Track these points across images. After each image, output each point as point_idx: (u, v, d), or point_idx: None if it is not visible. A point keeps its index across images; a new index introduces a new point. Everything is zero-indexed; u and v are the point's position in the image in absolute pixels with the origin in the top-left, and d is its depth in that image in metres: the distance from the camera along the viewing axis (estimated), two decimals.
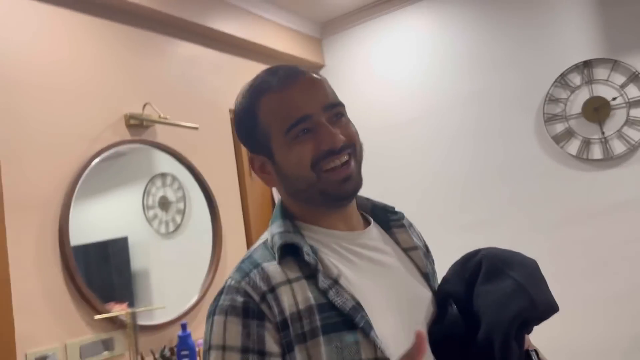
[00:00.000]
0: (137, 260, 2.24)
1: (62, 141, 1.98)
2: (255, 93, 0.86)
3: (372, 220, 0.96)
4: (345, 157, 0.84)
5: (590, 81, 2.60)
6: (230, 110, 2.72)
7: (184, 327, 2.09)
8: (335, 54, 3.37)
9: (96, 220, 2.14)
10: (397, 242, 0.95)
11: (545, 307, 0.82)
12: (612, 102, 2.55)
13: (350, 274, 0.82)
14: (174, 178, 2.43)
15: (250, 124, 0.87)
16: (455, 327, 0.85)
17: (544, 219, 2.68)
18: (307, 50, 3.27)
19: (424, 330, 0.85)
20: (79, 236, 1.96)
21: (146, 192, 2.33)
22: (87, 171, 2.01)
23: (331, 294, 0.78)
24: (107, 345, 1.97)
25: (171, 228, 2.40)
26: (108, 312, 1.96)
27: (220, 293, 0.81)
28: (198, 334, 2.19)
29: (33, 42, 1.97)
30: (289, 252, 0.81)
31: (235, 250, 2.59)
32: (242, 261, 0.85)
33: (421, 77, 3.07)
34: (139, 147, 2.28)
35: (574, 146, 2.63)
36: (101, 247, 2.16)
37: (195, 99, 2.58)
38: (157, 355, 2.07)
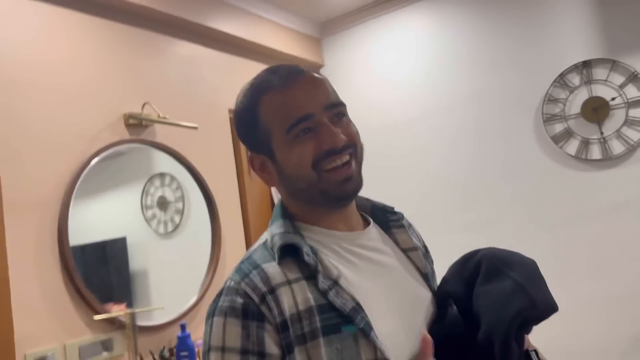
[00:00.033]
0: (136, 261, 2.24)
1: (61, 140, 1.98)
2: (256, 92, 0.86)
3: (371, 220, 0.96)
4: (346, 157, 0.83)
5: (589, 81, 2.60)
6: (229, 110, 2.72)
7: (183, 327, 2.08)
8: (334, 54, 3.37)
9: (94, 220, 2.13)
10: (397, 243, 0.95)
11: (545, 307, 0.82)
12: (611, 102, 2.55)
13: (350, 275, 0.82)
14: (173, 178, 2.42)
15: (251, 123, 0.87)
16: (455, 327, 0.85)
17: (543, 219, 2.68)
18: (306, 50, 3.27)
19: (424, 330, 0.85)
20: (77, 236, 1.96)
21: (145, 192, 2.32)
22: (86, 171, 2.01)
23: (331, 294, 0.78)
24: (106, 345, 1.97)
25: (170, 228, 2.40)
26: (107, 312, 1.96)
27: (220, 294, 0.81)
28: (197, 335, 2.19)
29: (32, 42, 1.97)
30: (289, 253, 0.81)
31: (234, 250, 2.59)
32: (242, 262, 0.84)
33: (420, 78, 3.07)
34: (138, 147, 2.27)
35: (572, 146, 2.63)
36: (99, 247, 2.16)
37: (194, 99, 2.57)
38: (156, 356, 2.07)
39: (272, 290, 0.77)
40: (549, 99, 2.68)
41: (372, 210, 0.98)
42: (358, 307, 0.78)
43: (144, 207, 2.31)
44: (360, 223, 0.93)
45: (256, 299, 0.77)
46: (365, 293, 0.81)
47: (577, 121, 2.63)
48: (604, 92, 2.57)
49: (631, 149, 2.51)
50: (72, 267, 1.90)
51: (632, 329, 2.45)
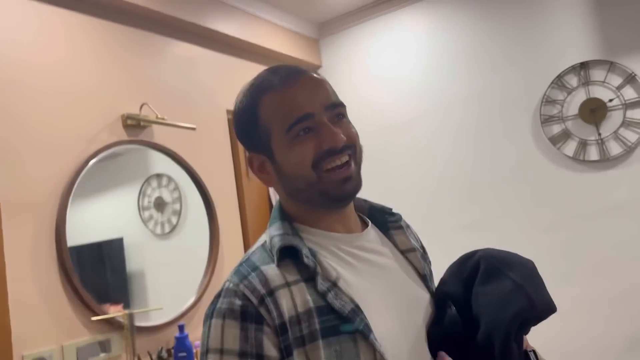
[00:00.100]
0: (133, 262, 2.24)
1: (59, 141, 1.98)
2: (256, 92, 0.86)
3: (369, 222, 0.96)
4: (345, 157, 0.83)
5: (586, 83, 2.61)
6: (227, 111, 2.72)
7: (181, 328, 2.08)
8: (332, 55, 3.37)
9: (91, 221, 2.13)
10: (395, 244, 0.95)
11: (544, 307, 0.82)
12: (609, 104, 2.56)
13: (348, 277, 0.82)
14: (170, 179, 2.42)
15: (250, 122, 0.86)
16: (454, 328, 0.85)
17: (540, 220, 2.69)
18: (304, 50, 3.27)
19: (423, 331, 0.85)
20: (74, 237, 1.95)
21: (142, 193, 2.32)
22: (84, 172, 2.01)
23: (330, 296, 0.77)
24: (104, 346, 1.96)
25: (167, 229, 2.40)
26: (104, 313, 1.95)
27: (218, 296, 0.81)
28: (195, 336, 2.19)
29: (30, 42, 1.96)
30: (288, 255, 0.81)
31: (232, 251, 2.58)
32: (240, 264, 0.84)
33: (418, 78, 3.07)
34: (136, 148, 2.27)
35: (570, 147, 2.64)
36: (96, 248, 2.15)
37: (192, 100, 2.57)
38: (154, 357, 2.06)
39: (271, 293, 0.77)
40: (547, 100, 2.68)
41: (370, 212, 0.98)
42: (357, 309, 0.78)
43: (141, 208, 2.30)
44: (359, 224, 0.93)
45: (255, 301, 0.76)
46: (364, 295, 0.81)
47: (574, 122, 2.63)
48: (602, 93, 2.58)
49: (629, 150, 2.51)
50: (70, 268, 1.89)
51: (630, 329, 2.46)
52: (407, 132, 3.08)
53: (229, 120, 2.73)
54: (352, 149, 0.85)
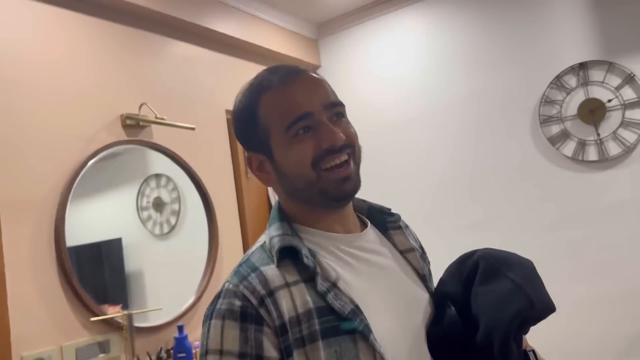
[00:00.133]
0: (131, 262, 2.23)
1: (58, 141, 1.97)
2: (256, 91, 0.86)
3: (368, 222, 0.96)
4: (344, 157, 0.83)
5: (585, 83, 2.61)
6: (226, 111, 2.72)
7: (180, 329, 2.08)
8: (331, 55, 3.37)
9: (90, 221, 2.12)
10: (394, 244, 0.95)
11: (543, 307, 0.82)
12: (608, 104, 2.56)
13: (348, 277, 0.82)
14: (169, 179, 2.42)
15: (250, 122, 0.86)
16: (454, 327, 0.85)
17: (539, 220, 2.69)
18: (303, 50, 3.27)
19: (422, 331, 0.85)
20: (73, 237, 1.95)
21: (140, 193, 2.32)
22: (83, 172, 2.00)
23: (330, 297, 0.77)
24: (103, 347, 1.96)
25: (165, 229, 2.40)
26: (103, 314, 1.95)
27: (218, 297, 0.80)
28: (195, 336, 2.19)
29: (29, 42, 1.96)
30: (287, 255, 0.81)
31: (231, 251, 2.58)
32: (240, 264, 0.84)
33: (417, 79, 3.07)
34: (134, 148, 2.27)
35: (569, 148, 2.64)
36: (95, 248, 2.15)
37: (191, 100, 2.57)
38: (153, 357, 2.06)
39: (271, 293, 0.77)
40: (546, 101, 2.68)
41: (369, 212, 0.98)
42: (357, 310, 0.77)
43: (139, 208, 2.30)
44: (357, 225, 0.93)
45: (255, 302, 0.76)
46: (363, 295, 0.80)
47: (573, 123, 2.63)
48: (601, 93, 2.58)
49: (627, 150, 2.52)
50: (69, 268, 1.89)
51: (630, 329, 2.46)
52: (406, 132, 3.08)
53: (228, 120, 2.73)
54: (351, 148, 0.85)
